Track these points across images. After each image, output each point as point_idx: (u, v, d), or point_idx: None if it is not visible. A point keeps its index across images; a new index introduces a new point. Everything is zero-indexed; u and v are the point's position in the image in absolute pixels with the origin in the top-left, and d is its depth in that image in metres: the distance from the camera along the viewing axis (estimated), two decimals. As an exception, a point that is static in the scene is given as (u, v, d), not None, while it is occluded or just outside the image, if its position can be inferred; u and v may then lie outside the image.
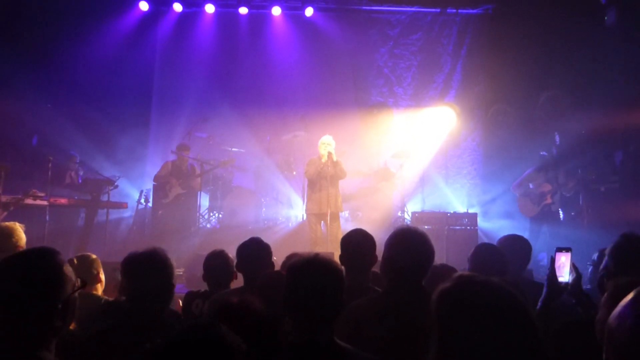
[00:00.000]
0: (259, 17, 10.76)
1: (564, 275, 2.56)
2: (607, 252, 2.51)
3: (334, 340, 2.06)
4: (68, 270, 1.84)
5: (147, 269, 2.48)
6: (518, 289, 2.32)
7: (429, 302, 1.51)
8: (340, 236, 7.58)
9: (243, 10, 10.53)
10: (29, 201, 7.23)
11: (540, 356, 1.38)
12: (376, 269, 3.49)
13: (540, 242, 8.06)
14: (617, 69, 8.26)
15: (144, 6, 10.24)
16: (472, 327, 1.36)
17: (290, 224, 9.36)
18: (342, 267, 2.62)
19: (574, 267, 2.56)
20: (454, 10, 10.75)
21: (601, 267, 2.52)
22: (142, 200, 9.40)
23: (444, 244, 7.91)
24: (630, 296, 1.27)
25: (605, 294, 1.88)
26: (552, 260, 2.56)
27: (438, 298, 1.46)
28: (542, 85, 9.54)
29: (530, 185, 8.50)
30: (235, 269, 3.68)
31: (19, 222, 3.94)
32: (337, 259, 3.85)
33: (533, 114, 9.74)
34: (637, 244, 2.47)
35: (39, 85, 9.23)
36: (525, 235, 8.21)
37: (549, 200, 8.16)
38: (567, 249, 2.60)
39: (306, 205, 7.86)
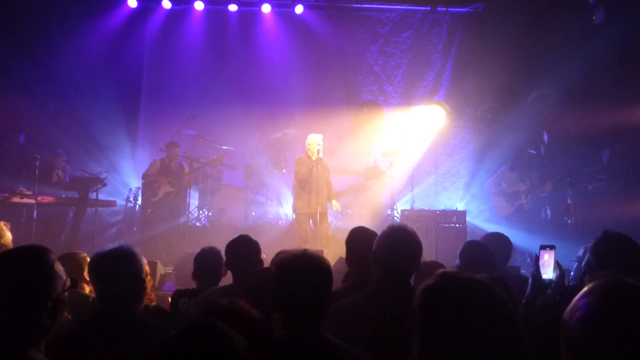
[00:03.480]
0: (249, 15, 10.73)
1: (548, 272, 2.59)
2: (588, 248, 2.55)
3: (322, 335, 2.08)
4: (59, 268, 1.82)
5: (114, 268, 2.43)
6: (503, 284, 2.35)
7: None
8: (330, 234, 7.67)
9: (232, 7, 10.49)
10: (16, 199, 7.19)
11: (520, 352, 1.40)
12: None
13: (527, 240, 8.13)
14: (605, 68, 8.32)
15: (132, 3, 10.18)
16: (454, 323, 1.38)
17: (279, 222, 9.35)
18: (330, 263, 2.62)
19: (557, 264, 2.60)
20: (444, 9, 10.78)
21: (583, 263, 2.56)
22: (131, 199, 9.35)
23: (433, 242, 7.94)
24: (583, 290, 1.28)
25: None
26: (537, 258, 2.60)
27: (422, 294, 1.48)
28: (531, 84, 9.60)
29: (503, 184, 8.53)
30: (224, 267, 3.67)
31: (5, 220, 3.91)
32: (326, 256, 3.86)
33: (522, 113, 9.80)
34: (617, 240, 2.52)
35: (26, 82, 9.16)
36: (517, 232, 8.34)
37: (524, 200, 8.22)
38: (551, 247, 2.64)
39: (295, 204, 7.84)
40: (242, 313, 1.85)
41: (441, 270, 1.54)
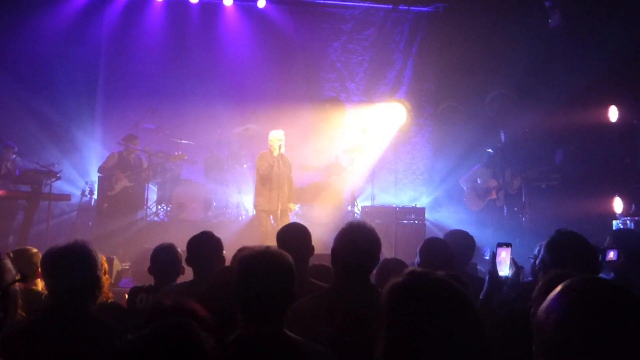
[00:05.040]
0: (210, 7, 10.58)
1: (505, 269, 2.66)
2: (542, 246, 2.63)
3: (283, 332, 2.09)
4: (7, 260, 1.78)
5: (67, 264, 2.38)
6: (460, 282, 2.40)
7: (376, 297, 1.53)
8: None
9: (194, -1, 10.34)
10: (-36, 192, 6.90)
11: (483, 349, 1.42)
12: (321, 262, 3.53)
13: (484, 236, 8.31)
14: (560, 70, 8.58)
15: (90, -9, 9.91)
16: (421, 321, 1.40)
17: (240, 218, 9.28)
18: (292, 260, 2.62)
19: (513, 262, 2.67)
20: (406, 8, 10.89)
21: (537, 260, 2.64)
22: (87, 192, 9.11)
23: (393, 238, 8.03)
24: (557, 289, 1.29)
25: (537, 287, 1.96)
26: (494, 255, 2.66)
27: (389, 292, 1.49)
28: (489, 84, 9.82)
29: (478, 180, 8.77)
30: (185, 263, 3.62)
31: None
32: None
33: (480, 112, 10.02)
34: (569, 239, 2.61)
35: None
36: (472, 229, 8.53)
37: (494, 196, 8.45)
38: (508, 245, 2.71)
39: (256, 201, 7.78)
40: (189, 313, 1.82)
41: (410, 268, 1.55)
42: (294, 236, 3.25)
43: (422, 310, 1.42)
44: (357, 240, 2.63)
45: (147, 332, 1.27)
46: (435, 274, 1.52)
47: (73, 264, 2.39)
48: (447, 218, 9.55)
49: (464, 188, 9.00)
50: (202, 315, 1.86)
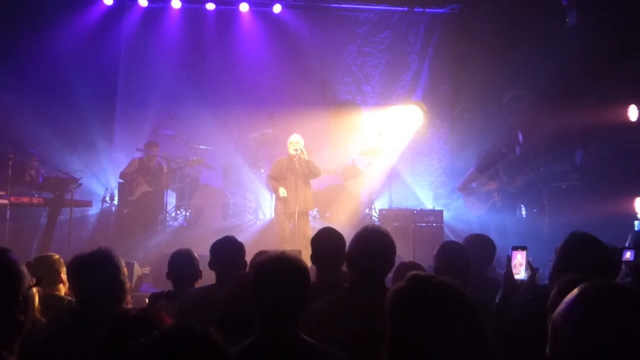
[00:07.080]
0: (227, 14, 10.68)
1: (520, 272, 2.65)
2: (557, 249, 2.62)
3: (299, 335, 2.10)
4: (24, 266, 1.83)
5: (92, 271, 2.45)
6: (478, 288, 2.40)
7: None
8: (309, 234, 7.69)
9: (210, 6, 10.44)
10: (-11, 200, 7.04)
11: (487, 353, 1.43)
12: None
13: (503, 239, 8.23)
14: (578, 69, 8.47)
15: (108, 0, 10.05)
16: (424, 325, 1.41)
17: (258, 222, 9.34)
18: (307, 264, 2.64)
19: (529, 265, 2.66)
20: (421, 9, 10.88)
21: (553, 263, 2.62)
22: (107, 198, 9.24)
23: (411, 241, 8.01)
24: (574, 292, 1.30)
25: (554, 291, 1.95)
26: (509, 259, 2.65)
27: (392, 296, 1.50)
28: (506, 85, 9.73)
29: (474, 185, 8.66)
30: (208, 267, 3.66)
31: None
32: (305, 256, 3.84)
33: (498, 113, 9.94)
34: (584, 241, 2.58)
35: (-2, 81, 8.98)
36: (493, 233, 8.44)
37: (496, 198, 8.36)
38: (523, 248, 2.70)
39: (275, 204, 7.85)
40: (154, 323, 1.83)
41: (411, 273, 1.56)
42: (328, 241, 3.25)
43: (424, 314, 1.43)
44: (371, 243, 2.65)
45: (161, 334, 1.28)
46: (437, 278, 1.53)
47: (97, 271, 2.46)
48: (465, 220, 9.44)
49: (461, 194, 8.91)
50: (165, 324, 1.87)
